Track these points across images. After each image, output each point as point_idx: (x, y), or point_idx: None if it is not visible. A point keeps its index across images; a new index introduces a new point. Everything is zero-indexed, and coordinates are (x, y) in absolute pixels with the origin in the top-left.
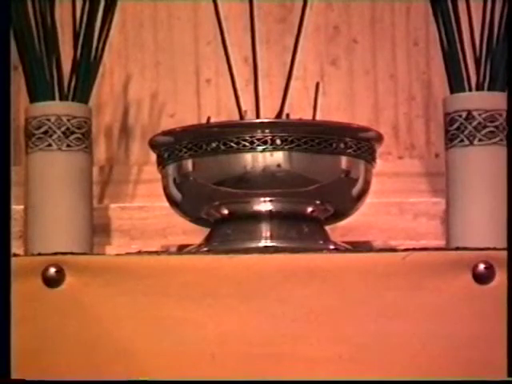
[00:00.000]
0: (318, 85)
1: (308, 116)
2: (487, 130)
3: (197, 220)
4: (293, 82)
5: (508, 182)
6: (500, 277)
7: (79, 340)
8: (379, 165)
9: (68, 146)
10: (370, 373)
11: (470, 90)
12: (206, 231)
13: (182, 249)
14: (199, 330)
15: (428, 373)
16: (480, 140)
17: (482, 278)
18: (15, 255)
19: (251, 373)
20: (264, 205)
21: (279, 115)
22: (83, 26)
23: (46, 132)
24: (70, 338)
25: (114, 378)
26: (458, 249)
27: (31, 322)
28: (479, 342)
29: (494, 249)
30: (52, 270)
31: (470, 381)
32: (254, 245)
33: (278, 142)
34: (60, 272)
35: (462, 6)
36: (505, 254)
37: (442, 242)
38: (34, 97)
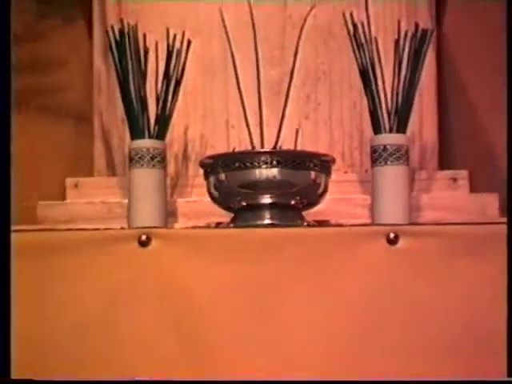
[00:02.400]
0: (297, 130)
1: (292, 147)
2: (395, 156)
3: (226, 208)
4: (283, 128)
5: (508, 184)
6: (405, 240)
7: (158, 289)
8: (333, 176)
9: (153, 166)
10: (322, 307)
11: (386, 132)
12: (231, 215)
13: (218, 225)
14: (226, 280)
15: (358, 307)
16: (391, 162)
17: (391, 242)
18: (122, 228)
19: (259, 308)
20: (266, 199)
21: (275, 147)
22: (162, 96)
23: (140, 157)
24: (152, 284)
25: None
26: (378, 225)
27: (128, 269)
28: (392, 283)
29: (398, 224)
30: (144, 237)
31: (469, 381)
32: (260, 222)
33: (275, 162)
34: (149, 238)
35: (380, 80)
36: (406, 227)
37: (369, 221)
38: (133, 137)
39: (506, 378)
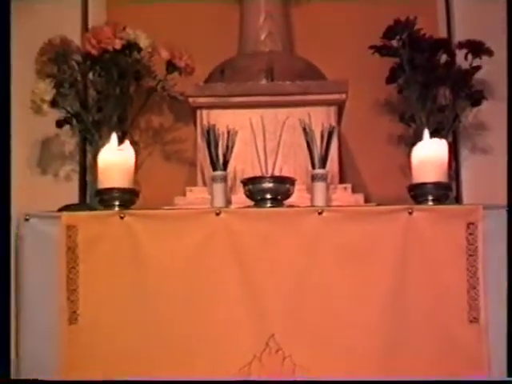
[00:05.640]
0: (281, 168)
1: (279, 175)
2: (321, 178)
3: (252, 200)
4: (276, 167)
5: (508, 183)
6: (325, 213)
7: (225, 237)
8: (296, 187)
9: (221, 182)
10: (287, 246)
11: (317, 169)
12: (253, 203)
13: (249, 207)
14: (253, 231)
15: (301, 249)
16: (320, 181)
17: (320, 214)
18: (208, 208)
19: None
20: (268, 196)
21: (272, 175)
22: (225, 154)
23: (216, 178)
24: (222, 234)
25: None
26: (314, 206)
27: (210, 226)
28: (320, 234)
29: (323, 206)
30: (217, 211)
31: (470, 381)
32: (266, 205)
33: (272, 181)
34: (220, 212)
35: (314, 148)
36: (326, 207)
37: (310, 205)
38: (213, 170)
39: (506, 378)
